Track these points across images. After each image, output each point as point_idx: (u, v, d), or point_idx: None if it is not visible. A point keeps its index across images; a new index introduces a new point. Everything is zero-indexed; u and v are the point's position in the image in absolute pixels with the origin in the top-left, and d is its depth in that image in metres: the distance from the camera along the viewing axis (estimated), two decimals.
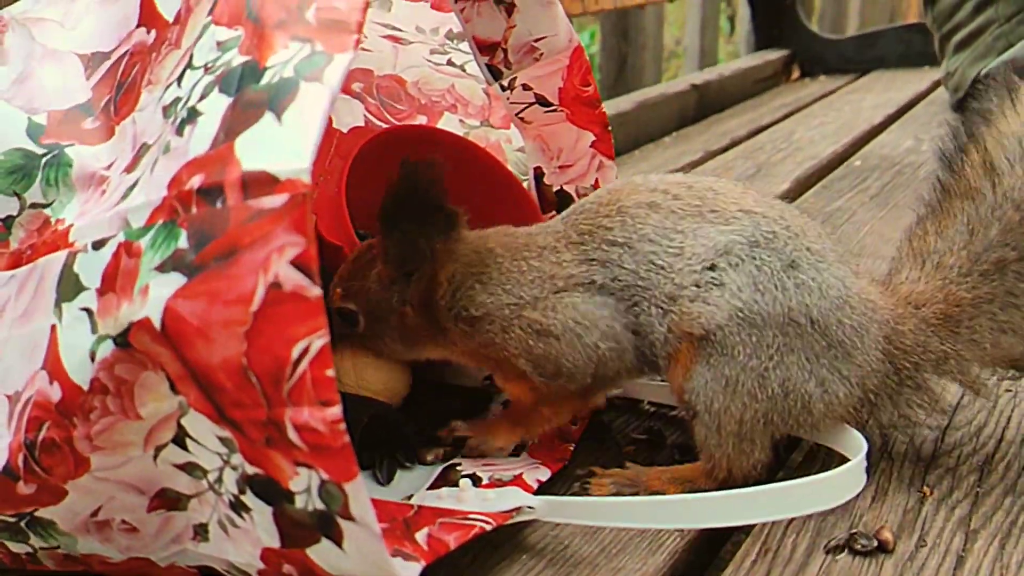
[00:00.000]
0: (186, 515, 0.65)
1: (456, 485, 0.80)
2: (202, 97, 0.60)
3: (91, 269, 0.60)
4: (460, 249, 0.81)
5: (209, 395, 0.57)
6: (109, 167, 0.68)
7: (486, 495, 0.75)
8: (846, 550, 0.76)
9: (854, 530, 0.77)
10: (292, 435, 0.55)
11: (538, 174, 1.07)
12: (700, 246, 0.79)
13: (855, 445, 0.82)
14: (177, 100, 0.63)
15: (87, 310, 0.59)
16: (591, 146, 1.04)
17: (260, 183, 0.54)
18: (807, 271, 0.80)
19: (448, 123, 1.07)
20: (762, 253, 0.79)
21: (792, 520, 0.79)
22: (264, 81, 0.58)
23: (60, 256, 0.63)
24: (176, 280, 0.55)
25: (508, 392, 0.86)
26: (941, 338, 0.85)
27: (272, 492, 0.59)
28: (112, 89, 0.72)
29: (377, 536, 0.56)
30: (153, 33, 0.71)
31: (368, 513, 0.56)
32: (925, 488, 0.85)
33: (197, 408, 0.58)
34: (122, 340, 0.57)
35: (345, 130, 1.02)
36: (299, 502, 0.58)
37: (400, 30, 1.00)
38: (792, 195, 1.74)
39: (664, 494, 0.81)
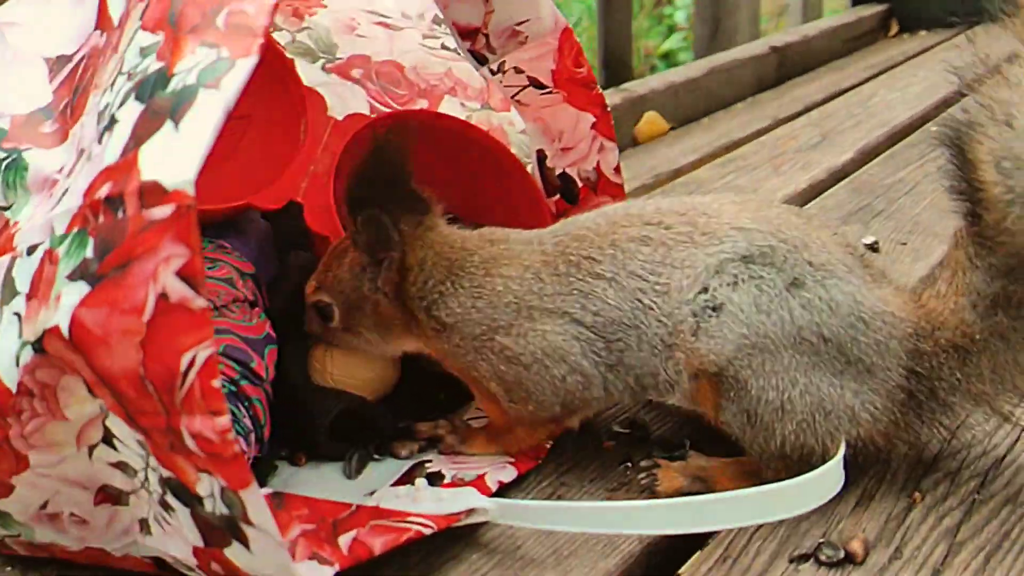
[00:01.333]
0: (130, 510, 0.67)
1: (426, 479, 0.80)
2: (121, 104, 0.61)
3: (24, 274, 0.62)
4: (433, 237, 0.81)
5: (119, 401, 0.58)
6: (61, 171, 0.70)
7: (441, 495, 0.75)
8: (811, 560, 0.73)
9: (823, 539, 0.74)
10: (190, 442, 0.56)
11: (541, 157, 1.05)
12: (688, 275, 0.77)
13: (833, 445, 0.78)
14: (107, 106, 0.64)
15: (18, 315, 0.62)
16: (591, 128, 1.01)
17: (153, 193, 0.55)
18: (812, 289, 0.76)
19: (449, 106, 1.06)
20: (760, 270, 0.76)
21: (763, 525, 0.76)
22: (170, 88, 0.58)
23: (5, 259, 0.66)
24: (82, 289, 0.57)
25: (484, 410, 0.85)
26: (951, 367, 0.79)
27: (185, 495, 0.60)
28: (70, 92, 0.73)
29: (278, 542, 0.57)
30: (105, 36, 0.72)
31: (267, 520, 0.57)
32: (916, 494, 0.80)
33: (113, 411, 0.60)
34: (39, 346, 0.59)
35: (341, 117, 1.01)
36: (208, 505, 0.59)
37: (388, 17, 0.99)
38: (855, 166, 1.66)
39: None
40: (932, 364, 0.79)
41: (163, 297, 0.54)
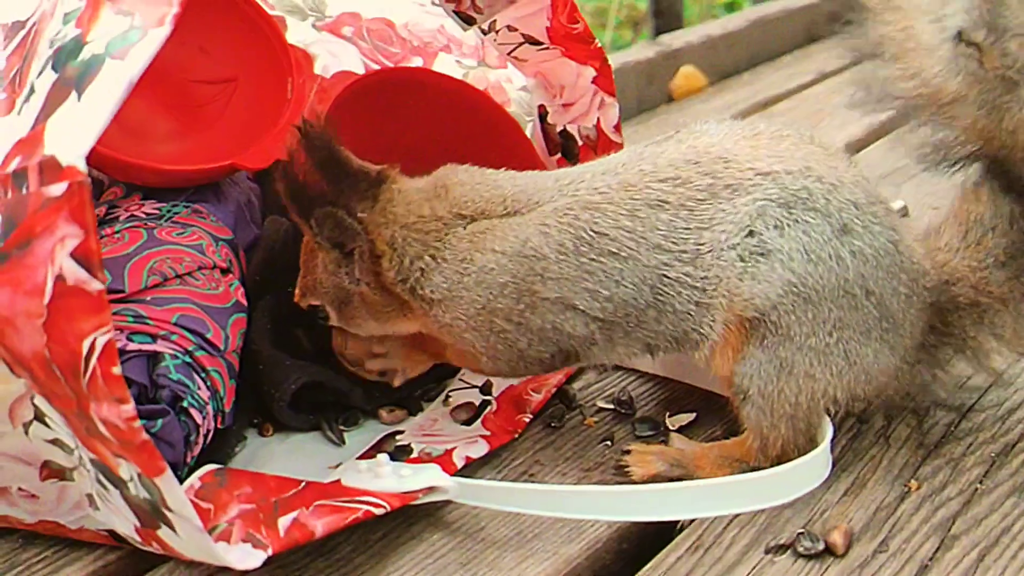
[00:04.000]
0: (76, 485, 0.66)
1: (390, 454, 0.78)
2: (40, 72, 0.59)
3: None
4: (398, 212, 0.74)
5: (35, 382, 0.56)
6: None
7: (402, 471, 0.72)
8: (788, 551, 0.68)
9: (802, 529, 0.69)
10: (101, 428, 0.54)
11: (542, 113, 1.00)
12: (725, 229, 0.71)
13: (820, 431, 0.73)
14: (34, 75, 0.62)
15: None
16: (592, 82, 0.96)
17: (51, 169, 0.52)
18: (861, 236, 0.71)
19: (444, 64, 1.01)
20: (804, 215, 0.71)
21: (741, 513, 0.72)
22: (80, 57, 0.55)
23: None
24: None
25: (451, 358, 0.80)
26: (965, 324, 0.77)
27: (112, 476, 0.58)
28: (21, 59, 0.71)
29: (198, 528, 0.55)
30: (52, 1, 0.70)
31: (184, 505, 0.55)
32: (912, 482, 0.74)
33: (35, 391, 0.58)
34: None
35: (329, 76, 0.98)
36: (132, 489, 0.57)
37: None
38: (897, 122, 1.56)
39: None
40: (948, 319, 0.77)
41: (60, 279, 0.51)
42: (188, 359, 0.73)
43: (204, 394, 0.73)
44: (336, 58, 1.03)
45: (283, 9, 1.01)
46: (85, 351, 0.52)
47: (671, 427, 0.81)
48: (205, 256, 0.82)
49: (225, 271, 0.84)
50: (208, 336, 0.75)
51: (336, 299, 0.77)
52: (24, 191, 0.54)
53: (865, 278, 0.71)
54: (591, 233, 0.72)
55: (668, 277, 0.72)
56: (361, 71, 1.02)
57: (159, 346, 0.72)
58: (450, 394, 0.87)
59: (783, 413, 0.72)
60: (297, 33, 1.01)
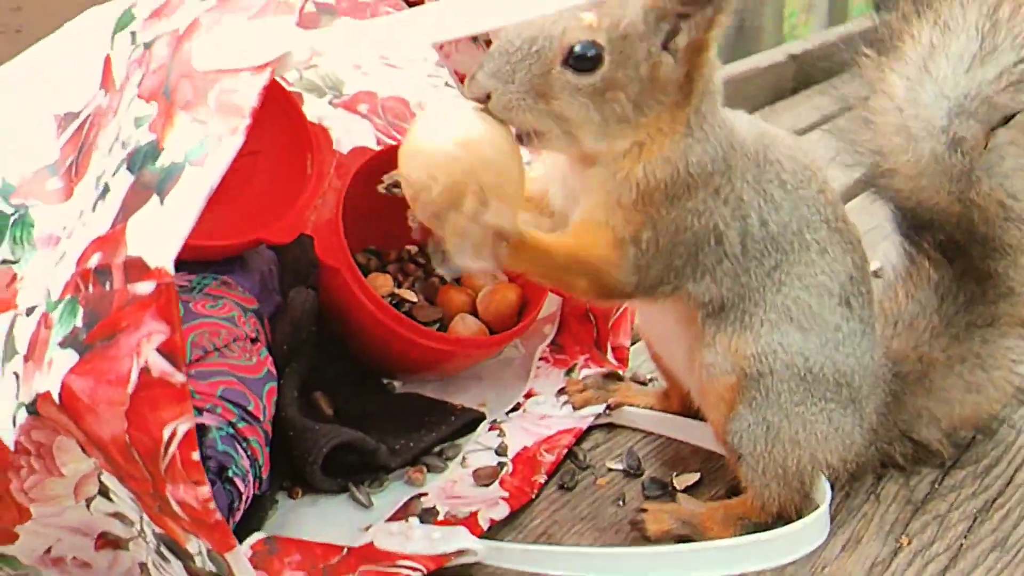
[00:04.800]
0: (130, 554, 0.70)
1: (419, 517, 0.83)
2: (115, 172, 0.63)
3: (23, 334, 0.65)
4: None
5: (109, 463, 0.60)
6: (64, 230, 0.72)
7: (433, 535, 0.77)
8: None
9: None
10: (175, 508, 0.58)
11: None
12: (824, 275, 0.78)
13: (819, 493, 0.79)
14: (103, 172, 0.66)
15: (16, 374, 0.64)
16: None
17: (137, 268, 0.57)
18: (868, 347, 0.81)
19: None
20: (846, 323, 0.79)
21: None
22: (159, 163, 0.60)
23: (9, 316, 0.68)
24: (71, 357, 0.59)
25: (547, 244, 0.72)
26: (916, 396, 0.86)
27: (177, 550, 0.62)
28: (76, 150, 0.76)
29: None
30: (108, 96, 0.74)
31: None
32: (904, 537, 0.81)
33: (106, 470, 0.62)
34: (32, 409, 0.61)
35: (347, 149, 1.03)
36: (198, 562, 0.61)
37: (390, 58, 1.00)
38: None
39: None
40: (900, 396, 0.85)
41: (145, 371, 0.56)
42: (231, 430, 0.77)
43: (245, 463, 0.77)
44: (350, 133, 1.08)
45: (302, 87, 1.06)
46: (166, 438, 0.56)
47: (678, 487, 0.87)
48: (237, 327, 0.87)
49: (254, 340, 0.88)
50: (250, 408, 0.79)
51: (624, 54, 0.68)
52: (107, 287, 0.58)
53: (851, 375, 0.80)
54: (767, 157, 0.76)
55: (804, 238, 0.77)
56: (374, 145, 1.08)
57: (205, 419, 0.76)
58: (466, 456, 0.92)
59: (775, 475, 0.79)
60: (314, 109, 1.06)
